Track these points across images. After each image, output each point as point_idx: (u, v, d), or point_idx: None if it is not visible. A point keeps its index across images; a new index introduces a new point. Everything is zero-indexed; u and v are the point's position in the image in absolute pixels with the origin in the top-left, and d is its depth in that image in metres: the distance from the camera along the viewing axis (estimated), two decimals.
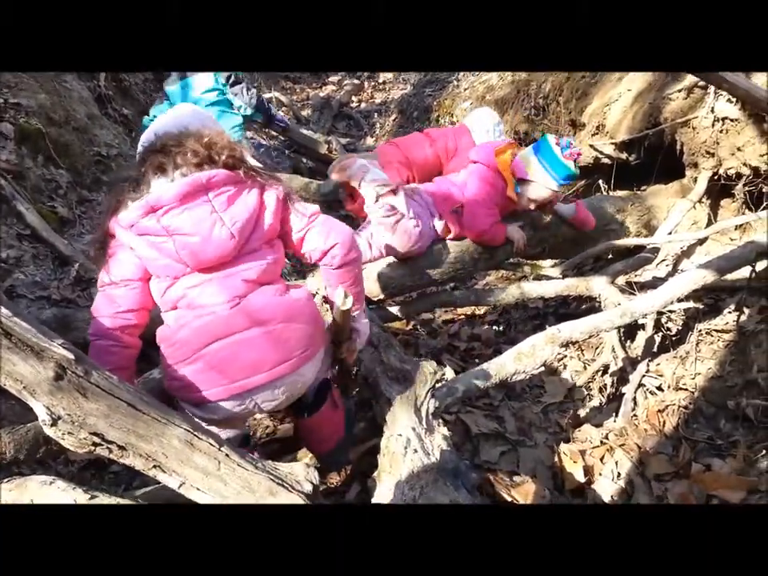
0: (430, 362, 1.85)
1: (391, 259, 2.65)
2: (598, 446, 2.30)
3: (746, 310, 2.46)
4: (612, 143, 3.43)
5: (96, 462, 1.99)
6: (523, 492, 1.89)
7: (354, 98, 8.04)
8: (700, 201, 2.91)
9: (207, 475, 1.29)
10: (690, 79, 2.81)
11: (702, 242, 2.89)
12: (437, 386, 1.81)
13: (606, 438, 2.33)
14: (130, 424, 1.24)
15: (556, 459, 2.25)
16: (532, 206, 2.74)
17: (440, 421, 1.69)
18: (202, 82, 3.71)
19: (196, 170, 1.54)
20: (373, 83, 8.44)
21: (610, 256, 3.15)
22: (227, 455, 1.30)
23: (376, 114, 7.56)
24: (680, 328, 2.67)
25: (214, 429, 1.56)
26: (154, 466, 1.27)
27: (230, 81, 3.78)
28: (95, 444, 1.24)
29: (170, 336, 1.56)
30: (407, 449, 1.48)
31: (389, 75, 8.49)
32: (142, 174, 1.57)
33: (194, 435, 1.28)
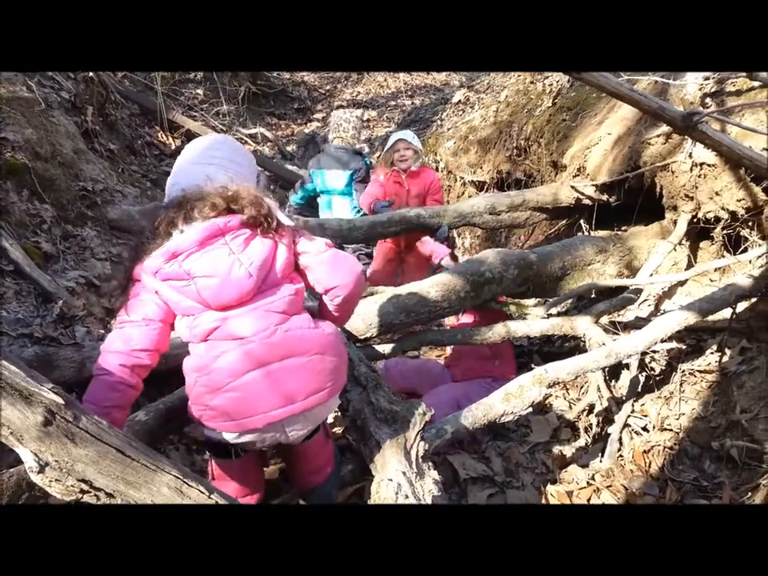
0: (419, 403, 1.85)
1: (378, 298, 2.66)
2: (584, 488, 2.30)
3: (728, 351, 2.50)
4: (593, 185, 3.51)
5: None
6: None
7: None
8: (680, 243, 2.97)
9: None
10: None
11: (682, 283, 2.95)
12: (425, 427, 1.81)
13: (593, 478, 2.34)
14: (119, 471, 1.22)
15: (543, 501, 2.25)
16: None
17: (430, 464, 1.68)
18: (333, 177, 4.50)
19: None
20: None
21: (593, 295, 3.19)
22: (217, 503, 1.28)
23: None
24: (663, 368, 2.71)
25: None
26: None
27: (356, 179, 4.53)
28: (83, 491, 1.21)
29: (205, 364, 1.56)
30: (398, 494, 1.47)
31: (373, 113, 8.63)
32: (155, 228, 1.62)
33: (184, 482, 1.26)
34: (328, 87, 9.49)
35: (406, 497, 1.47)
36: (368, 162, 4.66)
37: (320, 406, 1.63)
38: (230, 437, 1.62)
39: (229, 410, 1.55)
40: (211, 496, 1.28)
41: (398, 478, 1.53)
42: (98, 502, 1.23)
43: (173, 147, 5.55)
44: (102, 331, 2.62)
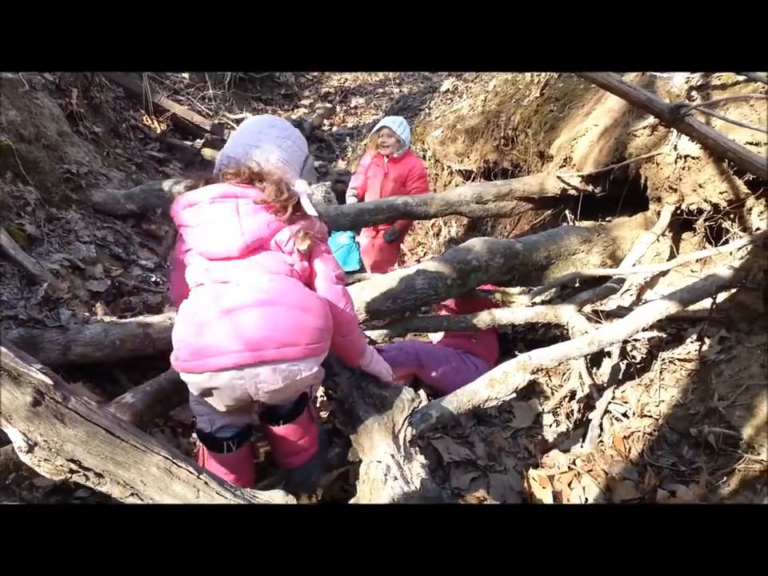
0: (407, 389, 1.86)
1: (365, 284, 2.67)
2: (565, 472, 2.35)
3: (707, 341, 2.55)
4: (579, 175, 3.54)
5: (61, 489, 1.93)
6: None
7: (325, 122, 8.11)
8: (663, 234, 3.02)
9: (186, 503, 1.28)
10: (653, 117, 2.93)
11: (664, 273, 3.00)
12: (413, 413, 1.83)
13: (574, 463, 2.39)
14: (108, 451, 1.22)
15: (525, 485, 2.29)
16: None
17: (417, 449, 1.71)
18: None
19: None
20: (345, 107, 8.53)
21: (577, 284, 3.23)
22: (206, 483, 1.30)
23: (348, 137, 7.63)
24: (644, 356, 2.76)
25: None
26: (132, 494, 1.25)
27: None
28: (72, 471, 1.22)
29: (197, 303, 1.65)
30: (387, 476, 1.49)
31: (361, 100, 8.60)
32: (189, 188, 1.77)
33: (173, 463, 1.27)
34: (315, 73, 9.43)
35: (395, 478, 1.49)
36: None
37: (292, 363, 1.62)
38: (201, 380, 1.62)
39: (204, 347, 1.58)
40: (200, 476, 1.29)
41: (386, 459, 1.55)
42: (87, 482, 1.23)
43: (158, 131, 5.48)
44: (87, 314, 2.61)
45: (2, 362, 1.16)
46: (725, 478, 2.03)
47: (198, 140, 5.71)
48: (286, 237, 1.70)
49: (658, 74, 3.01)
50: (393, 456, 1.57)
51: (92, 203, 3.52)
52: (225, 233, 1.64)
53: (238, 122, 6.70)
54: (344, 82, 9.18)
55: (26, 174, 3.08)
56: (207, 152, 5.68)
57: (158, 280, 3.31)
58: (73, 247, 3.05)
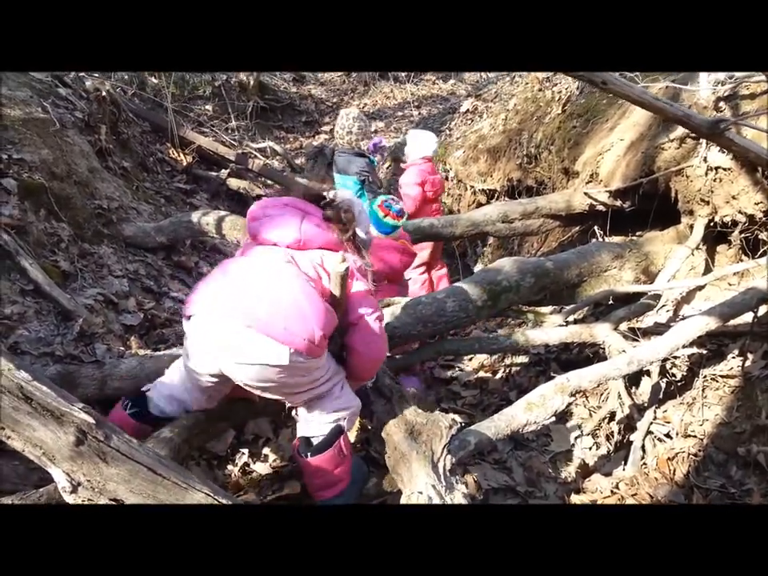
0: (445, 416, 1.83)
1: (395, 309, 2.65)
2: (609, 497, 2.28)
3: (750, 356, 2.47)
4: (606, 191, 3.50)
5: None
6: None
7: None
8: (697, 247, 2.96)
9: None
10: (681, 130, 2.89)
11: (701, 287, 2.93)
12: (451, 440, 1.79)
13: (617, 487, 2.31)
14: (151, 489, 1.22)
15: None
16: None
17: (457, 478, 1.66)
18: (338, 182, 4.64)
19: None
20: None
21: (610, 302, 3.18)
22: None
23: None
24: (685, 374, 2.68)
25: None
26: None
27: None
28: None
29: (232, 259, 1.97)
30: None
31: (380, 124, 8.66)
32: None
33: (215, 499, 1.26)
34: (335, 100, 9.54)
35: None
36: (373, 161, 4.68)
37: (264, 338, 1.65)
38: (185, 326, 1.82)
39: (192, 297, 1.80)
40: None
41: (427, 491, 1.51)
42: None
43: (184, 163, 5.57)
44: (122, 348, 2.63)
45: (45, 401, 1.16)
46: None
47: (223, 170, 5.78)
48: (328, 256, 1.87)
49: (685, 86, 2.98)
50: (434, 486, 1.53)
51: (123, 237, 3.57)
52: (285, 226, 1.86)
53: (261, 151, 6.79)
54: (363, 107, 9.26)
55: (58, 210, 3.14)
56: (233, 182, 5.75)
57: None
58: (106, 282, 3.09)
